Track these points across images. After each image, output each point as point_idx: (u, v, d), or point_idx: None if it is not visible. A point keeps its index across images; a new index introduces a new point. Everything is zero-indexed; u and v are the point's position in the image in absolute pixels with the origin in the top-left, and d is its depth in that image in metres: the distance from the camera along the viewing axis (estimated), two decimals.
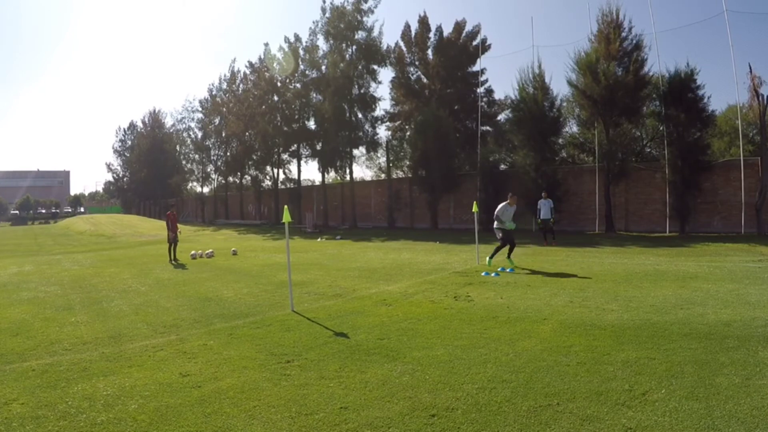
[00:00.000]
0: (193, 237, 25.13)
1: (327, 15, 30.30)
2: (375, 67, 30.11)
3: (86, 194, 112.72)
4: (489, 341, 5.02)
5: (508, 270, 9.96)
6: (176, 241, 14.23)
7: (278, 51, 34.21)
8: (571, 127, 24.91)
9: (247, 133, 38.71)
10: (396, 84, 30.59)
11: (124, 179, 75.27)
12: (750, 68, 17.08)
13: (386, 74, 74.93)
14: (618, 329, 5.27)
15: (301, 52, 32.81)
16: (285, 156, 37.38)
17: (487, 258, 10.65)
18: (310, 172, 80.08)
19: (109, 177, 79.02)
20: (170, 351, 5.06)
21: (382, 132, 59.13)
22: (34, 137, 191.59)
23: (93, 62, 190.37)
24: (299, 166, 36.26)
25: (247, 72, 39.91)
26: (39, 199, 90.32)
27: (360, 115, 31.02)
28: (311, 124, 34.19)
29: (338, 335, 5.49)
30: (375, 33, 29.55)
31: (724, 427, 3.00)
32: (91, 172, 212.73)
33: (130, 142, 71.88)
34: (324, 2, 30.43)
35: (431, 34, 29.04)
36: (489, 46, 28.98)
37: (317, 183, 38.10)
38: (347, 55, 29.82)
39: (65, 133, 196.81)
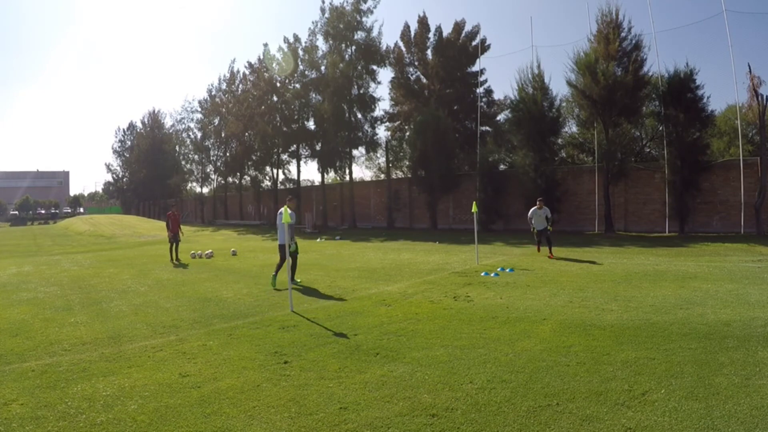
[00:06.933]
0: (193, 237, 25.11)
1: (326, 15, 30.30)
2: (374, 67, 30.14)
3: (85, 195, 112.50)
4: (488, 341, 5.02)
5: (507, 270, 9.97)
6: (177, 240, 14.16)
7: (277, 51, 34.21)
8: (571, 127, 25.02)
9: (246, 134, 38.69)
10: (395, 84, 30.64)
11: (124, 180, 75.20)
12: (749, 68, 17.13)
13: (385, 74, 75.01)
14: (617, 329, 5.28)
15: (301, 53, 32.79)
16: (284, 156, 37.38)
17: None
18: (310, 172, 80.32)
19: (109, 177, 79.10)
20: (170, 351, 5.06)
21: (382, 132, 59.24)
22: (33, 137, 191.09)
23: (92, 62, 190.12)
24: (298, 166, 36.28)
25: (247, 72, 39.91)
26: (38, 199, 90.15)
27: (359, 116, 31.04)
28: (310, 125, 34.19)
29: (338, 335, 5.49)
30: (374, 33, 29.61)
31: (723, 427, 3.00)
32: (90, 172, 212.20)
33: (129, 143, 71.81)
34: (323, 2, 30.47)
35: (430, 35, 29.09)
36: (488, 47, 29.11)
37: (316, 183, 38.12)
38: (346, 56, 29.83)
39: (64, 133, 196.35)
